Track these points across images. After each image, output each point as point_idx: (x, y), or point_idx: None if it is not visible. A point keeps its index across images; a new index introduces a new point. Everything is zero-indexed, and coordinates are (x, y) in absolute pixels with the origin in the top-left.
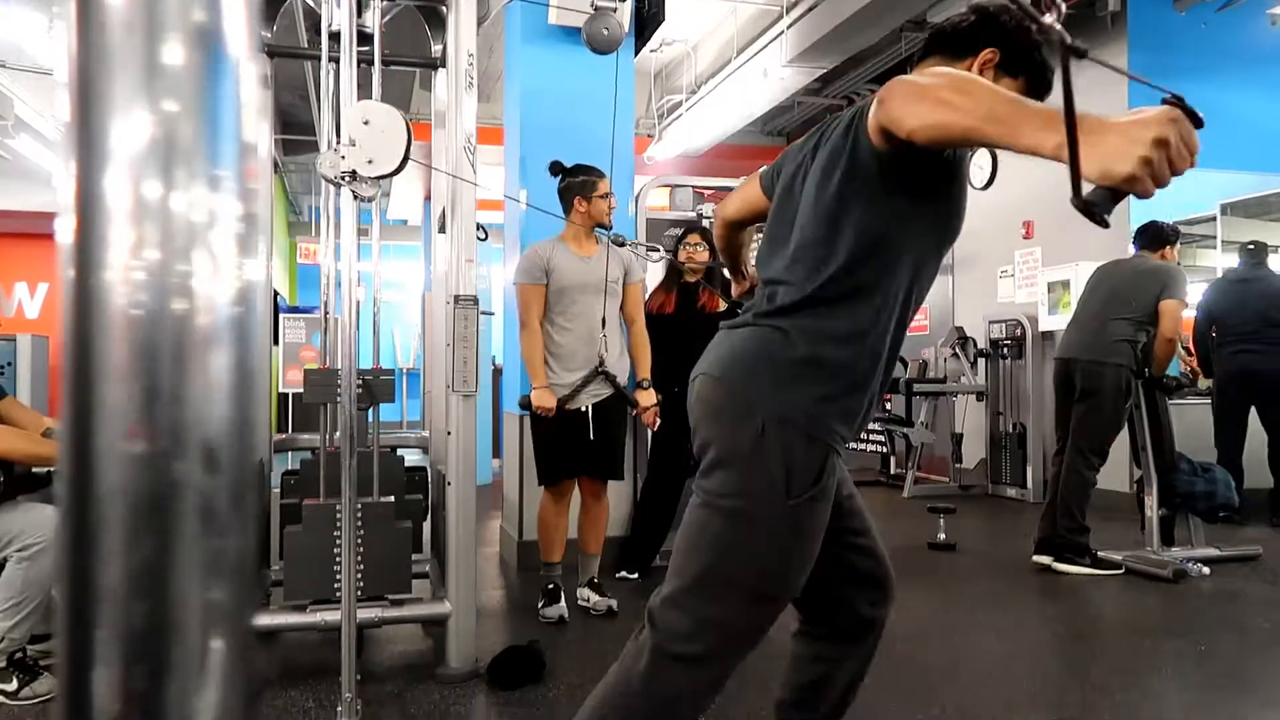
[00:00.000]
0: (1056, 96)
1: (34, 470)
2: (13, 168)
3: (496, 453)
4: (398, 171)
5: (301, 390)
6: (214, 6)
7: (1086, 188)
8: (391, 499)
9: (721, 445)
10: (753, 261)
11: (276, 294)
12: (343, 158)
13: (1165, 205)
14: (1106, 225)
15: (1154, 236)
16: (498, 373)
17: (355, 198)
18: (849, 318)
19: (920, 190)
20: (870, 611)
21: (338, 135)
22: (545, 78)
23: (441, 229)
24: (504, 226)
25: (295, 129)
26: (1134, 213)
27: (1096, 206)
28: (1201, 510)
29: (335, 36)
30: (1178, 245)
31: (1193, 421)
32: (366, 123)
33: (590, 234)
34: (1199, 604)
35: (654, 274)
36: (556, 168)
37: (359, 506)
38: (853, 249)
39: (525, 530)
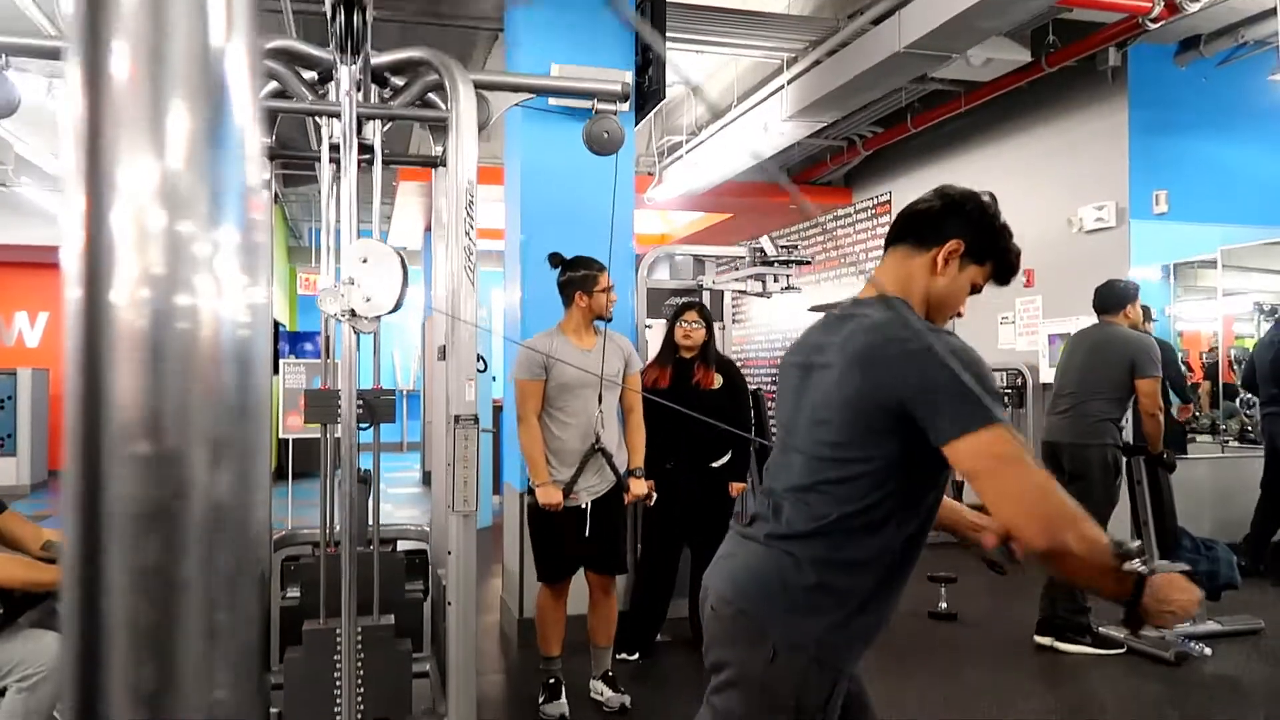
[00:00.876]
0: None
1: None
2: (12, 203)
3: (497, 489)
4: (394, 310)
5: (302, 435)
6: (218, 69)
7: None
8: (391, 619)
9: (733, 668)
10: None
11: (277, 323)
12: (343, 295)
13: (1165, 254)
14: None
15: (1112, 299)
16: (498, 409)
17: (355, 331)
18: (859, 547)
19: (919, 441)
20: None
21: (337, 253)
22: (545, 154)
23: (441, 358)
24: (504, 252)
25: (296, 164)
26: (1135, 255)
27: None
28: (1204, 589)
29: (336, 147)
30: (1138, 300)
31: (1192, 478)
32: (365, 261)
33: (590, 326)
34: (1201, 695)
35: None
36: (556, 260)
37: (359, 629)
38: (858, 482)
39: (525, 607)
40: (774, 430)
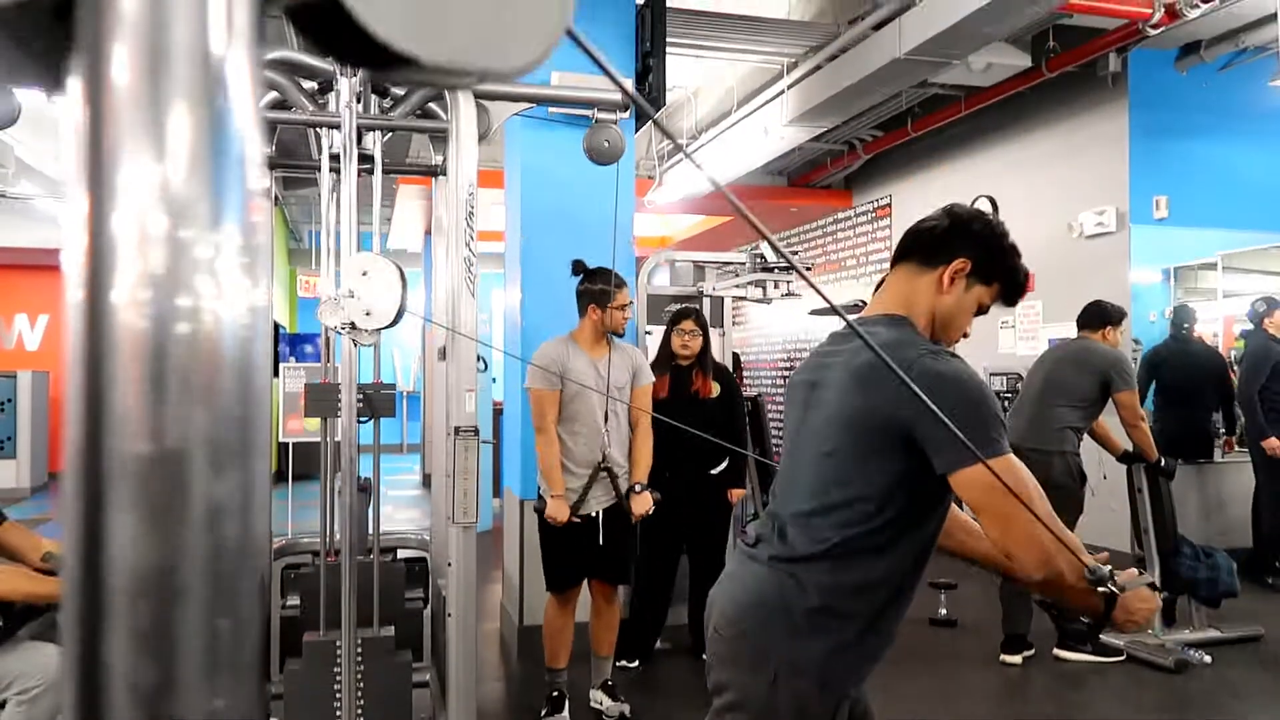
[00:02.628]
0: None
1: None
2: (13, 206)
3: (497, 492)
4: (393, 324)
5: (303, 439)
6: (219, 76)
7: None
8: (392, 630)
9: (736, 691)
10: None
11: (277, 325)
12: (342, 308)
13: (1166, 258)
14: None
15: (1095, 317)
16: (498, 412)
17: (355, 344)
18: (863, 570)
19: (924, 463)
20: None
21: (338, 264)
22: (545, 160)
23: (442, 358)
24: (504, 254)
25: (295, 167)
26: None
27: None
28: (1203, 597)
29: (336, 156)
30: (1121, 324)
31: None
32: (365, 274)
33: (602, 337)
34: (1202, 701)
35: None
36: (578, 268)
37: (359, 641)
38: (863, 504)
39: (526, 614)
40: (777, 446)
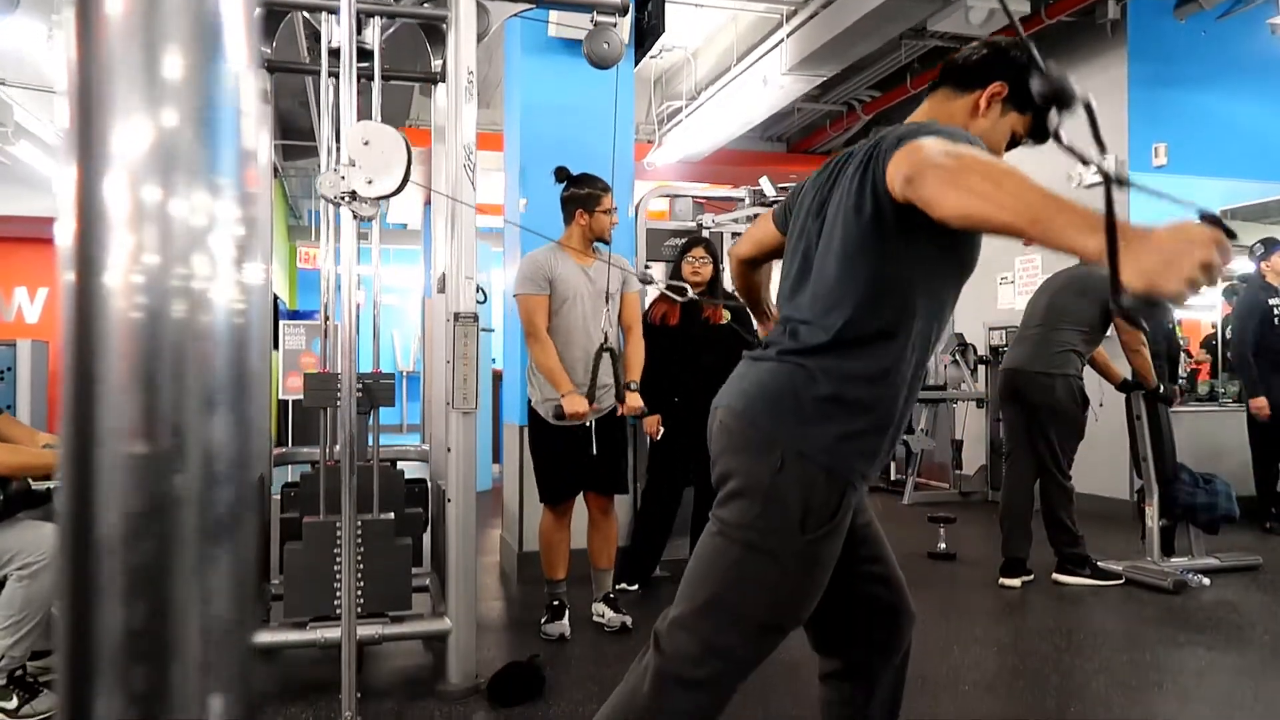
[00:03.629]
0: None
1: (33, 488)
2: (12, 173)
3: (496, 458)
4: (398, 192)
5: (302, 397)
6: (214, 16)
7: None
8: (391, 515)
9: (740, 477)
10: (774, 300)
11: (276, 298)
12: (343, 178)
13: (1164, 213)
14: (1145, 330)
15: None
16: (498, 378)
17: (355, 217)
18: (872, 358)
19: (938, 234)
20: (889, 640)
21: (338, 149)
22: (544, 89)
23: (441, 289)
24: (504, 230)
25: (295, 134)
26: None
27: (1138, 312)
28: (1203, 522)
29: (335, 53)
30: None
31: (1192, 430)
32: (366, 143)
33: (589, 245)
34: (1199, 617)
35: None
36: (562, 174)
37: (359, 524)
38: (874, 291)
39: (525, 541)
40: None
